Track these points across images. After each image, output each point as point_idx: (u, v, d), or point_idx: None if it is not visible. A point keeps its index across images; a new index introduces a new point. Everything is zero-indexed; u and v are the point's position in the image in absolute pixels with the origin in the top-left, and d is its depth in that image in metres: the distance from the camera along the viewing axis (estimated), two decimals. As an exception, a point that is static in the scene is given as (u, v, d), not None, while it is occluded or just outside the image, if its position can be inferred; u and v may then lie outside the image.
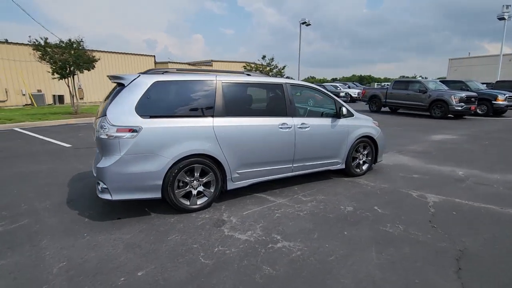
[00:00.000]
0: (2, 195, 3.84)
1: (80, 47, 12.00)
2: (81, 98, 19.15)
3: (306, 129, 3.91)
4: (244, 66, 24.88)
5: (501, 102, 12.66)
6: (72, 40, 11.78)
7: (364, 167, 4.70)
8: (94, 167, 3.32)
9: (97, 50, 18.90)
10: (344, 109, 4.22)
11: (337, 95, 21.25)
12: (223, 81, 3.44)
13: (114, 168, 2.87)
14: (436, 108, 12.11)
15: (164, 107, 3.20)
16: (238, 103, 3.63)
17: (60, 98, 19.48)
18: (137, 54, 24.54)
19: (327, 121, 4.20)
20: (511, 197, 3.74)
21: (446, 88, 12.99)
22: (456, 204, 3.53)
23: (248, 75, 3.84)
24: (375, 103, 14.88)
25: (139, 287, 2.07)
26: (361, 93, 16.82)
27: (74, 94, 12.74)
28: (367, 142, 4.63)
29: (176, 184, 3.15)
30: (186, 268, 2.29)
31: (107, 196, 2.94)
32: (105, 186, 2.92)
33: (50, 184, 4.22)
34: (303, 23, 25.25)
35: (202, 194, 3.36)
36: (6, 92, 17.65)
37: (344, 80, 58.93)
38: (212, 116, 3.30)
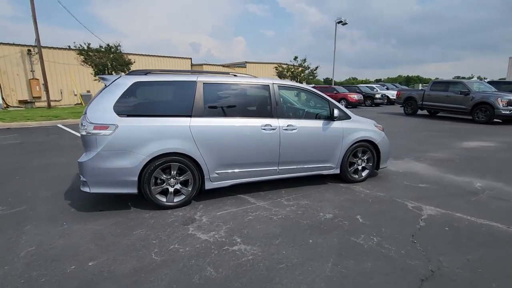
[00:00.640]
0: (18, 183, 4.32)
1: (118, 51, 13.00)
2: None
3: (293, 131, 3.78)
4: (275, 67, 24.87)
5: None
6: (111, 45, 12.82)
7: (364, 173, 4.40)
8: None
9: (133, 54, 20.17)
10: (336, 111, 3.99)
11: (373, 96, 20.11)
12: (204, 82, 3.48)
13: (91, 163, 3.06)
14: (479, 112, 10.87)
15: (143, 107, 3.34)
16: (219, 103, 3.64)
17: (105, 98, 21.22)
18: (172, 57, 25.49)
19: (318, 123, 4.01)
20: (527, 215, 3.22)
21: (493, 89, 11.61)
22: (453, 219, 3.14)
23: (235, 75, 3.83)
24: (411, 105, 13.82)
25: (83, 276, 2.18)
26: (395, 94, 15.72)
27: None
28: (367, 147, 4.32)
29: (153, 181, 3.26)
30: (134, 262, 2.36)
31: (86, 189, 3.15)
32: (84, 180, 3.13)
33: (59, 175, 4.64)
34: (339, 22, 24.41)
35: (180, 192, 3.43)
36: (61, 92, 19.79)
37: (390, 81, 55.03)
38: (190, 116, 3.35)
